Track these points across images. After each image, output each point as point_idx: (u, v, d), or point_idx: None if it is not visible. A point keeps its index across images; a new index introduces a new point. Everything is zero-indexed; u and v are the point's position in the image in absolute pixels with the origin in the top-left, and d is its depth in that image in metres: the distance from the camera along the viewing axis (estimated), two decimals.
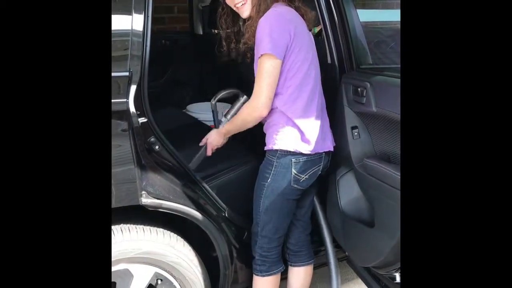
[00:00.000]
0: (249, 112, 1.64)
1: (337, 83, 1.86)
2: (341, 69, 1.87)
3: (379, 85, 1.63)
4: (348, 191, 1.81)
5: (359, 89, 1.68)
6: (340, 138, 1.79)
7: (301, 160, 1.65)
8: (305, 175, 1.68)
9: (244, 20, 1.70)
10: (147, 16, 1.53)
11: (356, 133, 1.74)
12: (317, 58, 1.73)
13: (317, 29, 2.56)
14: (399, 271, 1.66)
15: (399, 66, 2.20)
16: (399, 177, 1.44)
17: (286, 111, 1.63)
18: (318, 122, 1.68)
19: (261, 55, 1.54)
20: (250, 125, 1.68)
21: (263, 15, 1.57)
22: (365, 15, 2.19)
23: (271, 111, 1.64)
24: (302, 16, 1.68)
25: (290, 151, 1.64)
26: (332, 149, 1.73)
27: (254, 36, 1.59)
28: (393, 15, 2.67)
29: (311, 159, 1.67)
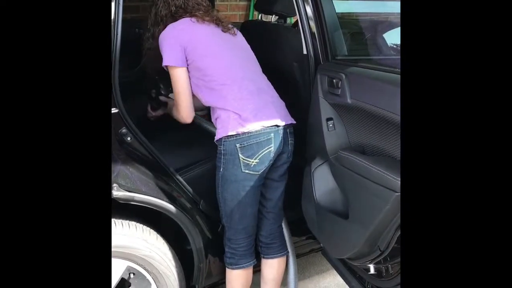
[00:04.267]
0: (177, 118, 1.83)
1: (313, 74, 1.85)
2: (316, 60, 1.85)
3: (354, 76, 1.62)
4: (323, 182, 1.81)
5: (334, 80, 1.68)
6: (315, 129, 1.78)
7: (246, 145, 1.67)
8: (254, 159, 1.69)
9: None
10: (118, 4, 1.50)
11: (331, 125, 1.73)
12: (239, 48, 1.85)
13: (293, 20, 2.54)
14: (373, 262, 1.67)
15: (374, 57, 2.22)
16: (373, 169, 1.44)
17: (217, 104, 1.73)
18: (254, 102, 1.71)
19: (167, 68, 1.74)
20: None
21: (157, 31, 1.80)
22: (341, 6, 2.19)
23: (210, 108, 1.79)
24: (204, 20, 1.79)
25: (232, 135, 1.67)
26: (279, 124, 1.72)
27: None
28: (369, 7, 2.67)
29: (256, 141, 1.68)
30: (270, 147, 1.71)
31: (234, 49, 1.82)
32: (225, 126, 1.69)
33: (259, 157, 1.69)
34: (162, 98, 2.03)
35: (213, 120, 1.78)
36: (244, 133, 1.66)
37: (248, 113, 1.67)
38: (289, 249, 1.97)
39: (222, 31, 1.83)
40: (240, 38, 1.90)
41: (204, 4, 1.84)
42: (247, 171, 1.70)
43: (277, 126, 1.72)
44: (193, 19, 1.78)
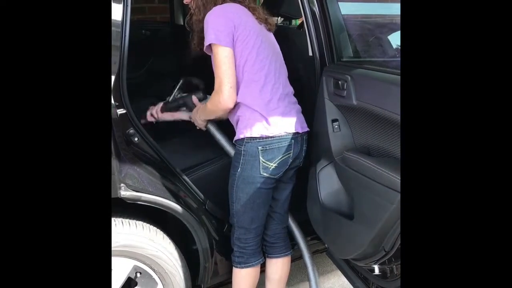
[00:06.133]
0: (215, 104, 1.68)
1: (318, 76, 1.86)
2: (322, 61, 1.86)
3: (360, 78, 1.63)
4: (328, 184, 1.82)
5: (339, 82, 1.69)
6: (321, 130, 1.79)
7: (267, 148, 1.67)
8: (274, 163, 1.69)
9: None
10: (126, 6, 1.51)
11: (336, 126, 1.74)
12: (277, 50, 1.80)
13: (298, 21, 2.55)
14: (378, 263, 1.68)
15: (380, 59, 2.23)
16: (378, 170, 1.45)
17: (244, 100, 1.67)
18: (281, 107, 1.70)
19: (211, 48, 1.63)
20: (220, 114, 1.75)
21: (206, 12, 1.66)
22: (347, 8, 2.19)
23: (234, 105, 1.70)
24: (253, 13, 1.74)
25: (256, 137, 1.66)
26: (300, 131, 1.73)
27: (201, 32, 1.68)
28: (375, 9, 2.68)
29: (278, 146, 1.68)
30: (290, 153, 1.72)
31: (274, 50, 1.78)
32: (248, 127, 1.67)
33: (278, 161, 1.70)
34: (195, 99, 1.93)
35: (233, 118, 1.75)
36: (268, 136, 1.66)
37: (274, 118, 1.67)
38: (303, 250, 1.99)
39: (267, 29, 1.79)
40: (274, 38, 1.85)
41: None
42: (265, 174, 1.70)
43: (298, 133, 1.73)
44: (248, 10, 1.72)
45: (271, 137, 1.67)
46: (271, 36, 1.81)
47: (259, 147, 1.67)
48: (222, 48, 1.61)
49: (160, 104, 1.99)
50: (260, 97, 1.67)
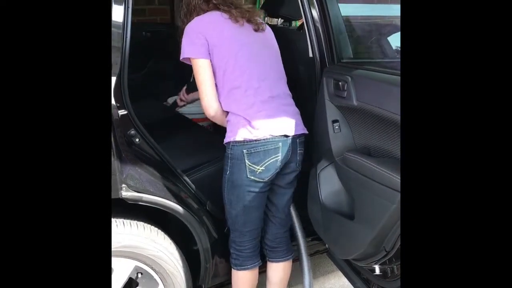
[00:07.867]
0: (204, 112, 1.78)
1: (318, 77, 1.86)
2: (322, 63, 1.87)
3: (360, 79, 1.64)
4: (328, 184, 1.82)
5: (340, 83, 1.69)
6: (321, 131, 1.80)
7: (253, 152, 1.67)
8: (261, 166, 1.69)
9: None
10: (127, 7, 1.51)
11: (337, 127, 1.75)
12: (268, 51, 1.81)
13: (298, 23, 2.56)
14: (379, 263, 1.69)
15: (380, 60, 2.23)
16: (379, 170, 1.45)
17: (230, 108, 1.71)
18: (267, 109, 1.69)
19: (186, 59, 1.70)
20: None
21: (188, 22, 1.73)
22: (347, 9, 2.20)
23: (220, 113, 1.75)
24: (230, 16, 1.74)
25: (240, 141, 1.67)
26: (289, 134, 1.71)
27: None
28: (375, 10, 2.69)
29: (264, 149, 1.67)
30: (277, 156, 1.70)
31: (259, 51, 1.76)
32: (233, 131, 1.68)
33: (265, 164, 1.69)
34: None
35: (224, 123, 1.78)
36: (252, 140, 1.66)
37: (258, 121, 1.66)
38: (302, 252, 1.99)
39: (254, 29, 1.78)
40: (269, 35, 1.85)
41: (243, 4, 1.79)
42: (252, 177, 1.69)
43: (286, 136, 1.71)
44: (225, 14, 1.73)
45: (256, 140, 1.66)
46: (259, 35, 1.79)
47: (244, 151, 1.67)
48: (197, 60, 1.68)
49: (184, 88, 2.09)
50: (243, 102, 1.68)
